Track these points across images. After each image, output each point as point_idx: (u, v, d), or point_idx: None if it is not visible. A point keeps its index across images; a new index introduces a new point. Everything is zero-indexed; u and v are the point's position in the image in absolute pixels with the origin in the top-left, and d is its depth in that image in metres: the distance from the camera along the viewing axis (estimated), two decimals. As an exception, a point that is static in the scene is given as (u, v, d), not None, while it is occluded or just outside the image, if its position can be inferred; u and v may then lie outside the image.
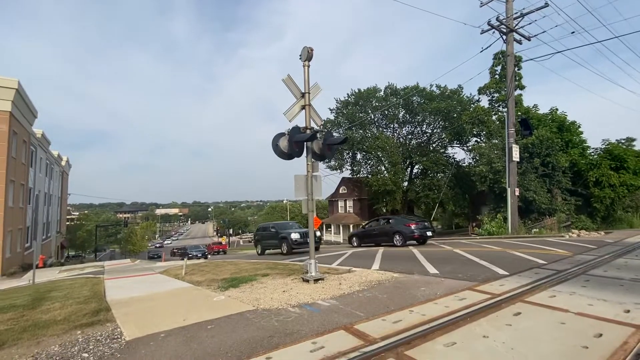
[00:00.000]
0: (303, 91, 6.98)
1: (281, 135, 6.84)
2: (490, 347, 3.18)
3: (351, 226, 37.68)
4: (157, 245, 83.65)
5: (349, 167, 39.47)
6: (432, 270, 7.24)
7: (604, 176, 20.84)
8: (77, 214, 76.50)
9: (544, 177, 21.35)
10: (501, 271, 6.65)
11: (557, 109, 25.53)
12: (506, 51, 16.03)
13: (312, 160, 6.85)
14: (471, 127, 28.66)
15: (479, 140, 31.29)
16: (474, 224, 33.78)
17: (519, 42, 16.30)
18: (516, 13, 15.78)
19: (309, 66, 7.00)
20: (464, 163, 35.73)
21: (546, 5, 14.82)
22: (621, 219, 22.23)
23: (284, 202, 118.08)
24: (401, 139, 38.04)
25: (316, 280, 6.37)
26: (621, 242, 10.86)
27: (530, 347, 3.13)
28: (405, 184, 36.83)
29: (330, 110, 37.67)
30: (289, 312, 4.51)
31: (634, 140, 24.03)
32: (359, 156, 39.71)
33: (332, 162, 39.78)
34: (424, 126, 38.20)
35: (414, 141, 37.40)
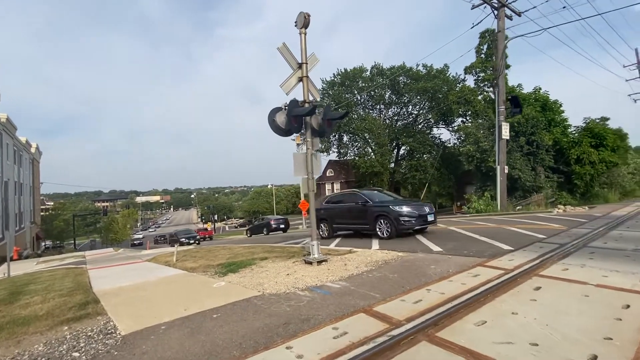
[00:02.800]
0: (300, 61, 6.46)
1: (278, 109, 6.36)
2: (523, 323, 2.99)
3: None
4: (137, 234, 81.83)
5: (336, 150, 39.15)
6: (435, 248, 7.12)
7: (584, 153, 21.43)
8: (52, 203, 73.04)
9: (529, 156, 21.74)
10: (505, 246, 6.59)
11: (540, 88, 25.79)
12: (497, 27, 15.77)
13: (312, 136, 6.43)
14: (458, 106, 28.69)
15: (464, 120, 31.48)
16: (459, 203, 34.57)
17: (510, 17, 16.07)
18: (508, -13, 15.44)
19: (305, 34, 6.46)
20: (450, 144, 36.08)
21: (538, -22, 14.52)
22: (598, 195, 23.11)
23: (269, 187, 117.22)
24: (387, 120, 37.84)
25: (319, 262, 6.10)
26: (608, 216, 11.16)
27: (564, 322, 2.96)
28: (392, 165, 36.95)
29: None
30: (299, 296, 4.21)
31: (607, 119, 24.72)
32: (345, 138, 39.36)
33: (319, 144, 39.35)
34: (410, 107, 38.09)
35: (400, 122, 37.30)
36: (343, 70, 35.38)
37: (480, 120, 24.52)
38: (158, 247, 34.11)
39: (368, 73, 35.70)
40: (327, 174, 40.81)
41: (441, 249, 6.86)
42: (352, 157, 36.80)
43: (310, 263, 6.10)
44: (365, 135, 35.62)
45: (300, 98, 6.43)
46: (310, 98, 6.61)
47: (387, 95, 37.22)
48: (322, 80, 37.09)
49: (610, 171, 21.89)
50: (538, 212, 14.22)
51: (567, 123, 24.78)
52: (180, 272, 6.72)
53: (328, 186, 40.97)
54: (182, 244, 23.93)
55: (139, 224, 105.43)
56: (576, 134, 23.03)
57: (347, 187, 38.53)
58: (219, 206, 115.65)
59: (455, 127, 34.78)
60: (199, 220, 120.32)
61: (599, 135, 21.99)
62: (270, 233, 22.73)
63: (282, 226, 23.55)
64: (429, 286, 4.29)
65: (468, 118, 30.02)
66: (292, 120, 6.02)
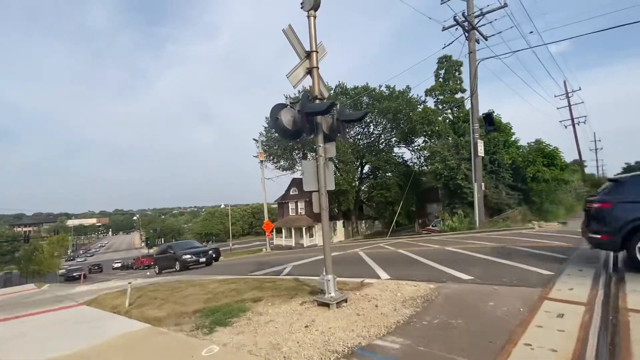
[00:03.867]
0: (309, 49, 5.23)
1: (282, 106, 5.00)
2: None
3: (304, 229, 36.16)
4: (74, 261, 70.91)
5: (300, 168, 37.92)
6: (459, 274, 6.08)
7: (539, 172, 22.82)
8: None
9: (492, 174, 22.57)
10: (542, 270, 5.76)
11: (493, 111, 27.55)
12: (469, 48, 16.23)
13: (324, 141, 5.13)
14: (422, 126, 29.47)
15: (427, 140, 32.44)
16: (421, 221, 35.08)
17: (477, 41, 16.68)
18: (477, 11, 16.08)
19: (315, 17, 5.28)
20: (411, 163, 36.93)
21: (505, 5, 15.31)
22: (550, 211, 24.70)
23: (223, 207, 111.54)
24: (351, 139, 37.82)
25: (339, 303, 4.67)
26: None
27: None
28: (357, 183, 36.66)
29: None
30: (354, 371, 2.77)
31: (542, 142, 26.99)
32: (309, 156, 38.44)
33: (282, 162, 37.89)
34: (372, 127, 38.60)
35: (363, 141, 37.48)
36: (308, 88, 34.88)
37: (449, 139, 25.17)
38: (96, 279, 29.33)
39: (332, 92, 35.61)
40: (291, 193, 39.23)
41: (471, 277, 5.83)
42: (317, 175, 35.73)
43: (327, 305, 4.64)
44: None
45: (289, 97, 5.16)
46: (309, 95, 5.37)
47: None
48: (286, 96, 36.20)
49: (561, 188, 23.54)
50: (519, 228, 14.22)
51: (519, 144, 26.60)
52: (141, 327, 4.79)
53: (292, 205, 39.30)
54: (186, 266, 15.70)
55: (69, 251, 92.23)
56: (529, 155, 24.61)
57: (311, 206, 37.17)
58: (166, 229, 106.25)
59: (417, 147, 35.77)
60: (143, 244, 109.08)
61: (550, 155, 23.71)
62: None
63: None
64: (523, 338, 3.13)
65: (431, 138, 30.94)
66: (304, 118, 4.68)
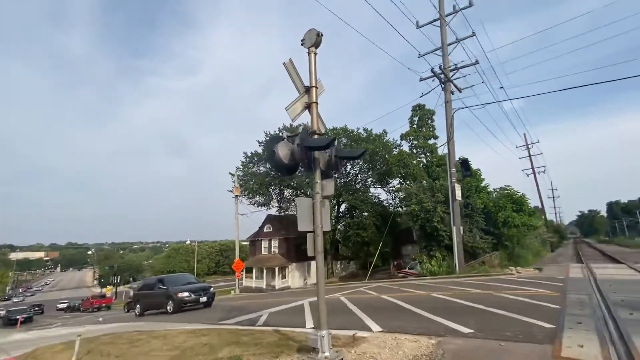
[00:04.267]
0: (308, 84, 5.11)
1: (279, 139, 4.71)
2: None
3: (276, 269, 34.46)
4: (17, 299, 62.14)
5: (276, 204, 37.23)
6: (457, 326, 5.67)
7: (509, 217, 23.68)
8: None
9: (466, 218, 23.09)
10: (542, 323, 5.49)
11: (467, 158, 29.08)
12: (445, 98, 17.29)
13: (321, 177, 4.82)
14: (398, 168, 30.30)
15: (402, 182, 33.26)
16: (396, 263, 34.70)
17: (452, 92, 17.87)
18: (452, 66, 17.40)
19: (315, 54, 5.24)
20: (387, 203, 37.37)
21: (477, 62, 16.72)
22: (521, 256, 25.38)
23: (188, 243, 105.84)
24: (329, 178, 38.04)
25: (335, 364, 4.06)
26: (570, 278, 11.38)
27: None
28: (334, 222, 36.23)
29: (259, 143, 35.65)
30: None
31: (511, 189, 28.59)
32: (286, 192, 38.00)
33: (258, 198, 36.96)
34: (349, 167, 39.28)
35: (341, 179, 37.80)
36: (289, 126, 35.47)
37: (424, 182, 25.85)
38: (37, 322, 25.73)
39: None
40: (265, 230, 37.84)
41: (470, 329, 5.43)
42: (294, 213, 35.13)
43: (322, 366, 4.01)
44: (307, 191, 34.81)
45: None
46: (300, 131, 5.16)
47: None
48: (266, 133, 36.41)
49: (530, 233, 24.43)
50: (498, 274, 14.21)
51: (488, 190, 27.86)
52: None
53: (265, 243, 37.73)
54: (181, 306, 13.29)
55: (8, 289, 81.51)
56: (500, 200, 25.70)
57: (285, 245, 35.99)
58: (124, 266, 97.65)
59: (392, 188, 36.48)
60: (95, 282, 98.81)
61: (518, 201, 24.85)
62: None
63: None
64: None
65: (406, 180, 31.77)
66: (303, 152, 4.39)
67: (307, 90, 5.09)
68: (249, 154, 36.36)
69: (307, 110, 5.13)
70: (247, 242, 43.46)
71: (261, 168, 36.49)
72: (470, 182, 23.89)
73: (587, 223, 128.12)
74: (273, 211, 38.02)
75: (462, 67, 17.06)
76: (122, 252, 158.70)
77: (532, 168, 46.07)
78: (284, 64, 4.99)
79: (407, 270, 26.12)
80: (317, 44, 5.23)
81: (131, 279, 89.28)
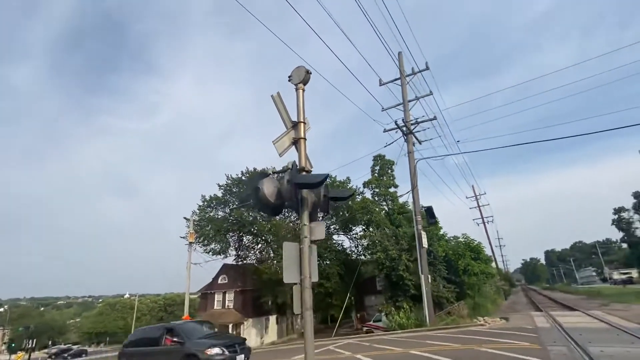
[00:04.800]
0: (296, 120, 4.81)
1: (264, 175, 4.21)
2: None
3: (230, 326, 31.05)
4: None
5: (234, 252, 34.82)
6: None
7: (469, 265, 24.27)
8: None
9: (429, 266, 23.20)
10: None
11: (423, 206, 30.25)
12: (408, 149, 18.22)
13: (309, 219, 4.31)
14: (361, 215, 30.45)
15: (365, 229, 33.31)
16: (359, 315, 33.19)
17: (414, 144, 18.94)
18: (412, 120, 18.67)
19: (304, 90, 5.05)
20: (349, 251, 36.81)
21: (434, 118, 18.14)
22: (482, 305, 25.65)
23: (127, 297, 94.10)
24: (291, 224, 37.02)
25: None
26: (539, 329, 11.37)
27: None
28: (295, 272, 34.42)
29: (219, 186, 34.23)
30: None
31: (468, 237, 30.00)
32: (245, 239, 35.96)
33: (214, 245, 34.40)
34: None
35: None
36: (252, 170, 34.83)
37: (387, 230, 25.98)
38: None
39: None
40: (219, 281, 34.63)
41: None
42: (253, 262, 33.04)
43: None
44: (269, 238, 33.36)
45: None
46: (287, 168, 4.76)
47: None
48: (227, 176, 35.33)
49: (488, 281, 25.05)
50: (467, 325, 13.89)
51: (446, 238, 28.77)
52: None
53: (218, 296, 34.24)
54: None
55: None
56: (459, 248, 26.49)
57: (242, 298, 33.02)
58: (42, 326, 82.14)
59: (355, 236, 36.29)
60: (3, 348, 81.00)
61: (476, 249, 25.81)
62: None
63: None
64: None
65: (369, 227, 31.88)
66: (293, 190, 3.91)
67: (295, 125, 4.78)
68: (208, 198, 34.60)
69: (293, 146, 4.78)
70: (198, 295, 39.32)
71: (220, 213, 34.63)
72: (432, 230, 24.50)
73: (530, 270, 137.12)
74: (230, 260, 35.41)
75: (422, 121, 18.37)
76: (42, 308, 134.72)
77: (482, 217, 49.30)
78: (272, 96, 4.69)
79: (372, 323, 24.86)
80: (305, 81, 5.07)
81: (50, 343, 75.17)
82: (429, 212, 16.80)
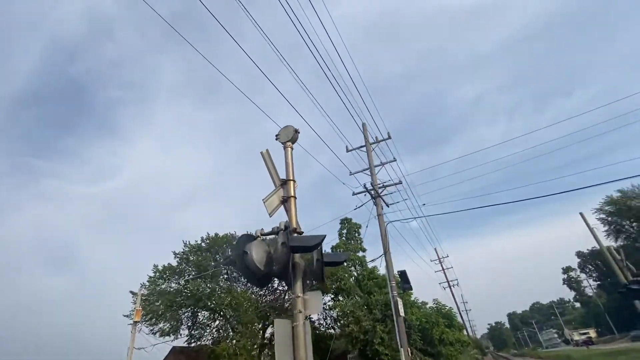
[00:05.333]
0: (285, 178, 4.53)
1: (251, 238, 3.69)
2: None
3: None
4: None
5: (186, 332, 30.40)
6: None
7: (444, 334, 23.24)
8: None
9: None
10: None
11: (398, 271, 29.75)
12: (377, 212, 18.42)
13: (303, 290, 3.74)
14: (331, 283, 28.94)
15: (334, 298, 31.42)
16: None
17: (382, 207, 19.29)
18: (379, 184, 19.31)
19: (292, 148, 4.89)
20: (318, 324, 33.99)
21: (400, 182, 18.95)
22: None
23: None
24: (254, 295, 33.98)
25: None
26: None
27: None
28: (257, 352, 30.48)
29: (175, 254, 31.30)
30: None
31: (439, 302, 29.48)
32: (201, 316, 31.92)
33: (163, 324, 29.95)
34: (276, 283, 36.30)
35: (267, 297, 34.04)
36: (214, 235, 32.66)
37: (358, 298, 24.68)
38: None
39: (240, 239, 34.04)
40: (166, 370, 29.41)
41: None
42: (208, 342, 28.91)
43: None
44: (228, 313, 29.97)
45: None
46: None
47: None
48: (185, 243, 32.64)
49: (465, 350, 23.88)
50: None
51: (418, 304, 27.90)
52: None
53: (163, 390, 28.73)
54: None
55: None
56: (431, 316, 25.59)
57: (192, 389, 27.92)
58: None
59: (324, 306, 33.98)
60: None
61: (448, 316, 25.10)
62: None
63: None
64: None
65: (338, 295, 30.16)
66: (288, 255, 3.41)
67: (284, 183, 4.48)
68: (160, 268, 31.17)
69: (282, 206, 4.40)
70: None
71: (173, 284, 31.07)
72: (404, 297, 23.69)
73: (497, 335, 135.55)
74: (181, 341, 30.65)
75: (388, 185, 19.05)
76: None
77: (447, 281, 49.43)
78: (261, 153, 4.44)
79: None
80: (294, 140, 4.96)
81: None
82: (403, 276, 16.36)
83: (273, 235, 3.93)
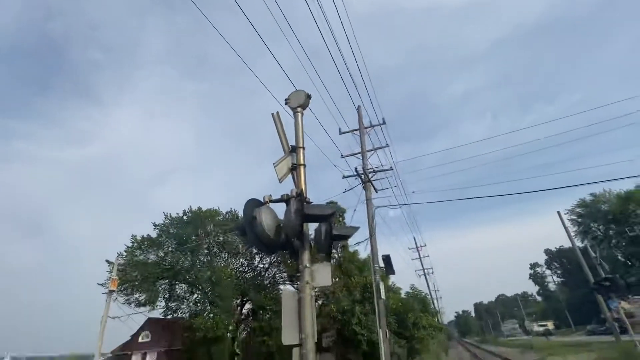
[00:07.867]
0: (295, 145, 4.23)
1: (259, 203, 3.42)
2: None
3: (148, 397, 25.64)
4: None
5: (163, 304, 30.17)
6: None
7: (418, 318, 24.05)
8: None
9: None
10: None
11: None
12: (366, 196, 18.36)
13: (311, 263, 3.54)
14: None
15: (314, 278, 31.82)
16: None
17: (371, 192, 19.27)
18: (370, 169, 19.18)
19: (302, 114, 4.57)
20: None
21: (391, 169, 18.90)
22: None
23: (8, 361, 74.51)
24: (234, 272, 33.90)
25: None
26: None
27: None
28: (234, 326, 30.71)
29: (155, 225, 30.59)
30: None
31: (416, 288, 30.50)
32: (178, 289, 31.68)
33: (138, 295, 29.54)
34: (256, 260, 36.30)
35: (248, 274, 34.09)
36: (197, 209, 32.04)
37: (337, 279, 24.96)
38: None
39: (221, 218, 33.57)
40: (141, 339, 29.21)
41: None
42: (185, 315, 28.84)
43: None
44: (207, 288, 29.82)
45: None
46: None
47: (235, 245, 34.77)
48: (166, 214, 31.90)
49: (436, 335, 24.88)
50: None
51: (394, 289, 28.66)
52: None
53: (137, 358, 28.65)
54: None
55: None
56: (408, 301, 26.35)
57: (166, 358, 28.02)
58: None
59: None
60: None
61: (423, 301, 25.93)
62: None
63: None
64: None
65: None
66: (300, 222, 3.17)
67: (294, 149, 4.19)
68: (139, 238, 30.44)
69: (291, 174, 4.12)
70: (107, 358, 32.36)
71: (151, 256, 30.53)
72: (384, 280, 24.20)
73: (462, 323, 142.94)
74: (157, 313, 30.42)
75: (379, 170, 18.96)
76: None
77: (423, 270, 50.96)
78: (272, 114, 4.11)
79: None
80: (304, 105, 4.63)
81: None
82: (387, 261, 16.54)
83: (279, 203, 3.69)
